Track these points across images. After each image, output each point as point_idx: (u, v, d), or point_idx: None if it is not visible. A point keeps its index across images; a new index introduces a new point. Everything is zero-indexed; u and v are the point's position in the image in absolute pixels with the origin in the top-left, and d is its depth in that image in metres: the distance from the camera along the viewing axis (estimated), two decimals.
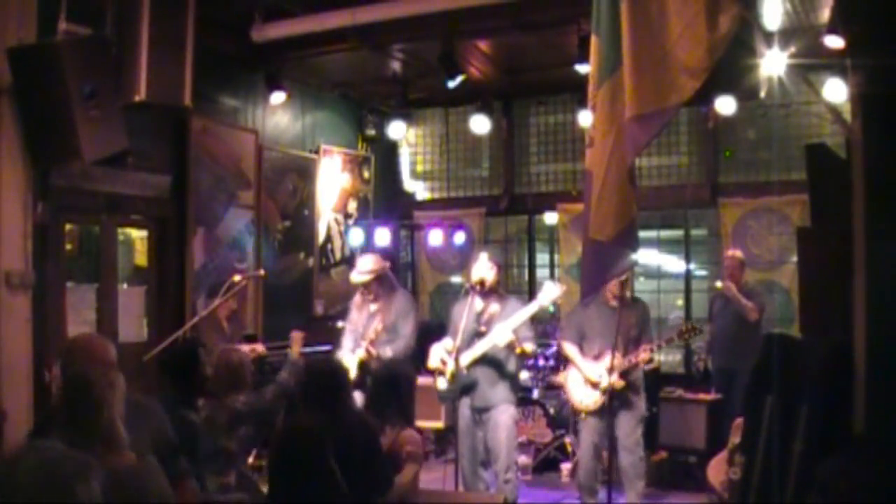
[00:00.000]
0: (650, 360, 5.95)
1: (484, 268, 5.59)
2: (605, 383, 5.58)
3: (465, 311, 5.48)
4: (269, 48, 7.38)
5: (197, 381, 4.16)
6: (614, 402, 5.56)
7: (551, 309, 6.03)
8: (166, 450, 3.35)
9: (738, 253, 7.41)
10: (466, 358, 5.45)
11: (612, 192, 4.23)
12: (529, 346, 5.53)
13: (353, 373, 5.55)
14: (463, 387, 5.48)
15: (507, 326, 5.35)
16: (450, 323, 5.80)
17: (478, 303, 5.58)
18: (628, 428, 5.68)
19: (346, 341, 6.09)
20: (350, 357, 5.82)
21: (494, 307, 5.54)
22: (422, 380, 7.57)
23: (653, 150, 8.51)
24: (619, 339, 5.46)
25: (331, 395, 3.77)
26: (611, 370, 5.48)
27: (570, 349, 5.90)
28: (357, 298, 6.12)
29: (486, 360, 5.45)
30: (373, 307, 5.95)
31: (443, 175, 10.05)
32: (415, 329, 5.93)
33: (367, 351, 5.72)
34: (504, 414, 5.46)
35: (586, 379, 5.72)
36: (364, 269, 5.96)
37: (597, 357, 5.72)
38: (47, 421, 3.00)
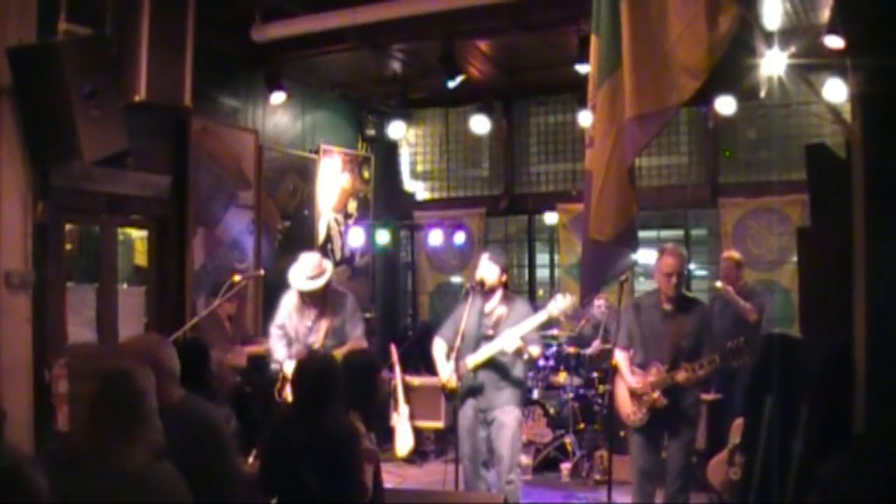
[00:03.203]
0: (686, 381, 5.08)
1: (484, 268, 5.55)
2: (648, 401, 5.12)
3: (466, 313, 5.46)
4: (269, 48, 7.39)
5: (205, 382, 4.05)
6: (659, 420, 5.16)
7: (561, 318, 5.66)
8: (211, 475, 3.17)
9: (735, 254, 7.38)
10: (472, 361, 5.43)
11: (612, 192, 4.23)
12: (536, 350, 5.50)
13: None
14: (468, 389, 5.47)
15: (516, 333, 5.28)
16: (449, 320, 5.73)
17: (482, 304, 5.55)
18: (673, 450, 5.23)
19: (279, 346, 5.69)
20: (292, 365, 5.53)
21: (501, 309, 5.49)
22: (423, 380, 7.63)
23: (653, 150, 8.51)
24: (668, 351, 5.08)
25: (317, 399, 3.62)
26: (653, 385, 5.10)
27: (618, 355, 5.34)
28: (295, 300, 5.66)
29: (492, 363, 5.42)
30: (314, 312, 5.61)
31: (443, 175, 10.06)
32: (364, 332, 5.73)
33: None
34: (509, 416, 5.45)
35: (630, 390, 5.22)
36: (314, 273, 5.54)
37: (641, 367, 5.20)
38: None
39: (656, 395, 5.09)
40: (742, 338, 5.09)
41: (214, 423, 3.29)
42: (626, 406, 5.28)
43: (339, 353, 5.41)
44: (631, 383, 5.21)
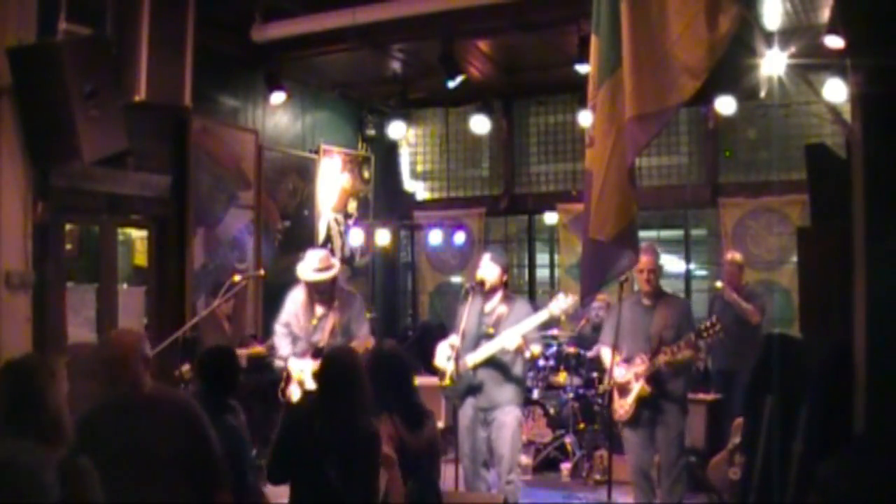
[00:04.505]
0: (681, 363, 5.28)
1: (485, 268, 5.56)
2: (634, 391, 5.27)
3: (467, 312, 5.47)
4: (269, 48, 7.39)
5: (233, 385, 4.08)
6: (646, 411, 5.31)
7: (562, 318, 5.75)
8: (201, 459, 3.33)
9: (737, 256, 7.36)
10: (472, 359, 5.44)
11: (612, 192, 4.22)
12: (537, 349, 5.53)
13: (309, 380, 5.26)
14: (468, 387, 5.47)
15: (517, 331, 5.28)
16: (453, 324, 5.76)
17: (483, 303, 5.56)
18: (663, 443, 5.37)
19: (283, 343, 5.65)
20: (300, 362, 5.50)
21: (502, 309, 5.49)
22: (423, 379, 7.62)
23: (653, 150, 8.51)
24: (650, 342, 5.25)
25: (347, 393, 3.59)
26: (637, 375, 5.24)
27: (603, 353, 5.54)
28: (302, 298, 5.62)
29: (492, 362, 5.42)
30: (320, 309, 5.58)
31: (443, 175, 10.06)
32: (370, 331, 5.75)
33: None
34: (509, 415, 5.45)
35: (615, 385, 5.35)
36: (323, 265, 5.53)
37: (627, 361, 5.35)
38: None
39: (640, 383, 5.23)
40: (715, 316, 5.43)
41: (193, 405, 3.44)
42: (614, 401, 5.42)
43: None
44: (616, 377, 5.33)
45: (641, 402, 5.28)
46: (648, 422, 5.35)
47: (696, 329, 5.28)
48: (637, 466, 5.46)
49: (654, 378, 5.25)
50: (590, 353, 7.59)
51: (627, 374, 5.32)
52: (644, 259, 5.29)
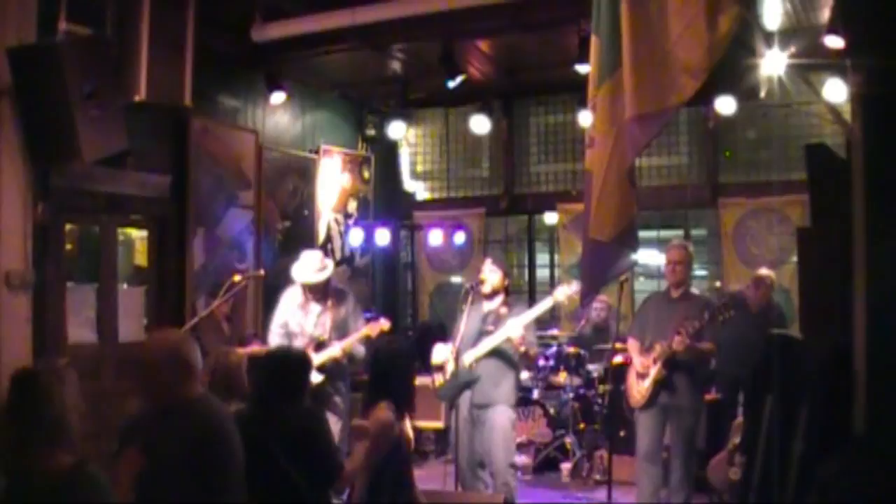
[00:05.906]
0: (700, 353, 5.45)
1: (488, 272, 5.60)
2: (651, 375, 5.41)
3: (467, 312, 5.48)
4: (269, 48, 7.38)
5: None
6: (662, 395, 5.41)
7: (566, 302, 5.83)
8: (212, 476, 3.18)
9: (765, 273, 7.14)
10: (471, 355, 5.45)
11: (612, 192, 4.23)
12: (533, 350, 5.54)
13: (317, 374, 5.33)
14: (466, 383, 5.48)
15: (520, 321, 5.34)
16: (453, 324, 5.77)
17: (483, 304, 5.58)
18: (674, 432, 5.49)
19: (279, 342, 5.65)
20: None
21: (503, 310, 5.54)
22: (422, 379, 7.61)
23: (653, 150, 8.50)
24: (671, 331, 5.34)
25: (280, 394, 3.74)
26: (655, 359, 5.38)
27: (630, 345, 5.72)
28: (299, 298, 5.74)
29: (490, 358, 5.44)
30: (317, 307, 5.70)
31: (443, 175, 10.05)
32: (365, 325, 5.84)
33: (342, 350, 5.56)
34: (501, 416, 5.45)
35: (636, 371, 5.55)
36: (319, 266, 5.69)
37: (649, 349, 5.51)
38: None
39: (658, 366, 5.36)
40: (726, 295, 5.56)
41: (222, 426, 3.27)
42: (632, 388, 5.56)
43: (344, 345, 5.60)
44: (638, 365, 5.50)
45: (658, 385, 5.39)
46: (663, 407, 5.45)
47: (712, 307, 5.41)
48: (646, 451, 5.51)
49: (671, 363, 5.35)
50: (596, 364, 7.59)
51: (646, 361, 5.46)
52: (672, 252, 5.67)
